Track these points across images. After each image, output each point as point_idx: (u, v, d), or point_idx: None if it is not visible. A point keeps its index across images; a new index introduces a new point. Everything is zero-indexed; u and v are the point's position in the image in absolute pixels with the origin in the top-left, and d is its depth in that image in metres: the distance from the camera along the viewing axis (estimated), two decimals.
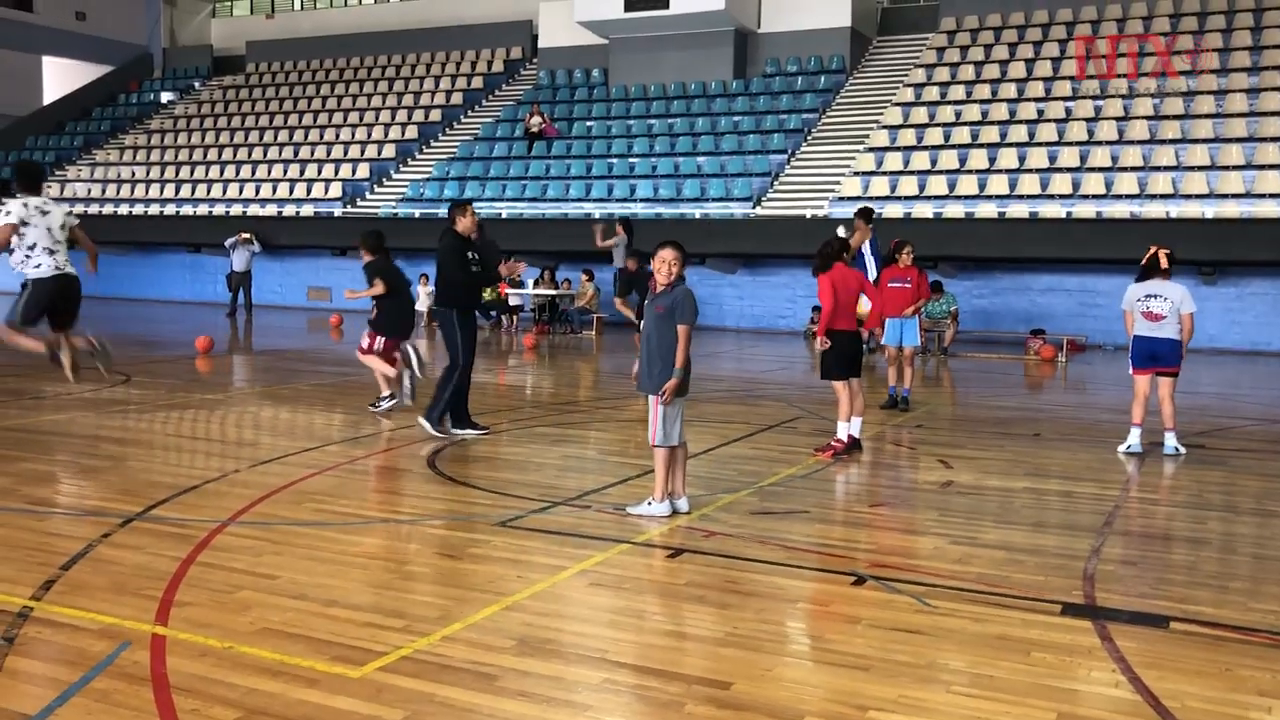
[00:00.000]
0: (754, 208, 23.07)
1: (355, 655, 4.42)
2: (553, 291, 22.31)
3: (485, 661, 4.41)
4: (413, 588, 5.35)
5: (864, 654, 4.56)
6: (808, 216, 21.94)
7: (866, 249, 15.29)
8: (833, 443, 9.05)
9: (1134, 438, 9.36)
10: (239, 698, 4.01)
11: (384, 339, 10.20)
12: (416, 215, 26.01)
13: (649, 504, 6.81)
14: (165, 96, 36.67)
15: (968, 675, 4.36)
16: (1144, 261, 9.53)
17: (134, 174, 31.97)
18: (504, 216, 24.94)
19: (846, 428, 9.05)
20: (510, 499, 7.28)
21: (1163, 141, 21.13)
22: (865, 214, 15.32)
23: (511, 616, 4.94)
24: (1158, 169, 20.48)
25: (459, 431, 9.78)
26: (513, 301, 22.91)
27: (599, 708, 4.02)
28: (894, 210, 21.43)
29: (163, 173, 31.52)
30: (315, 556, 5.88)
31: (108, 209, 30.36)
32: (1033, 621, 4.99)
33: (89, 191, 31.55)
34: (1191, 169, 20.24)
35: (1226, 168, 20.03)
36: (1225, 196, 19.51)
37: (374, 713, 3.92)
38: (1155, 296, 9.31)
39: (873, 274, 14.64)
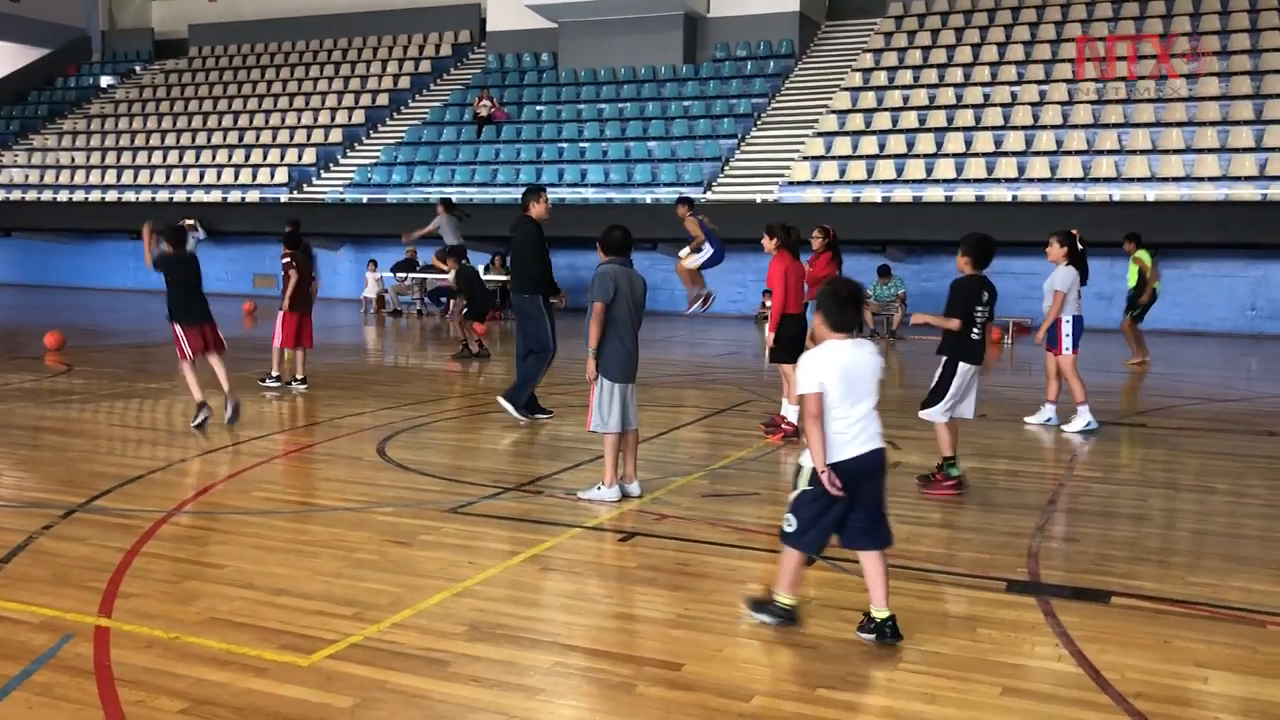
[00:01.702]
0: (705, 193, 23.09)
1: (304, 644, 4.39)
2: (504, 277, 22.19)
3: (437, 647, 4.39)
4: (363, 575, 5.31)
5: (813, 633, 4.60)
6: (758, 201, 22.01)
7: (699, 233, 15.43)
8: (784, 426, 9.12)
9: (1088, 414, 9.50)
10: (185, 688, 3.97)
11: (180, 326, 9.46)
12: (364, 200, 25.74)
13: (599, 489, 6.82)
14: (105, 80, 35.89)
15: (915, 652, 4.42)
16: (1078, 245, 9.66)
17: (73, 159, 31.29)
18: (453, 201, 24.73)
19: (796, 410, 9.13)
20: (461, 485, 7.25)
21: (1106, 126, 21.44)
22: (687, 202, 15.34)
23: (463, 602, 4.93)
24: (1101, 153, 20.80)
25: (539, 416, 9.87)
26: None
27: (551, 691, 4.03)
28: (843, 194, 21.57)
29: (103, 158, 30.87)
30: (263, 545, 5.82)
31: (46, 195, 29.71)
32: (978, 599, 5.07)
33: (26, 178, 30.85)
34: (1133, 153, 20.57)
35: (1167, 151, 20.38)
36: (1166, 180, 19.86)
37: (324, 700, 3.89)
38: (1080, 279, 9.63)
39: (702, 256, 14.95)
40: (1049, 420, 9.75)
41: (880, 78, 24.84)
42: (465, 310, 15.21)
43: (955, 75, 24.13)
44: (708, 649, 4.42)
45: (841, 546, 4.61)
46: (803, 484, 4.51)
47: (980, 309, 7.14)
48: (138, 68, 36.37)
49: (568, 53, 28.66)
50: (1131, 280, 14.99)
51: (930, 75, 24.34)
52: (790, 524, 4.54)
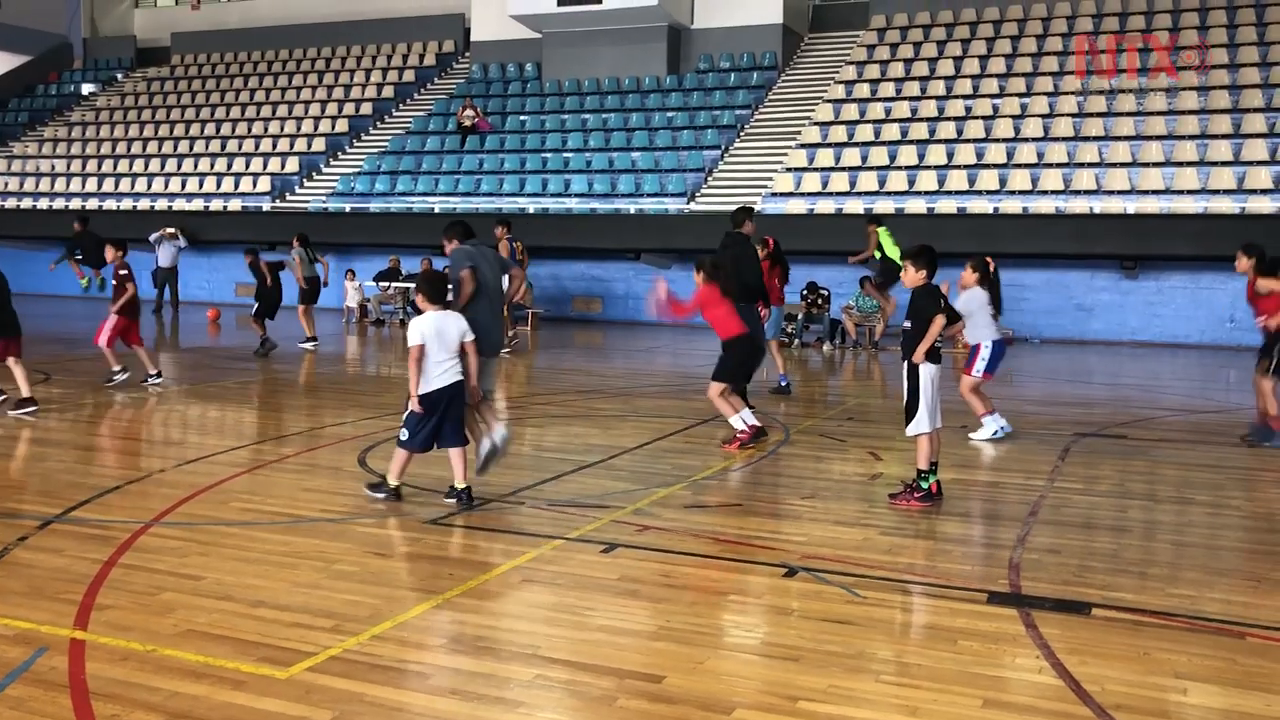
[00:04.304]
0: (688, 203, 23.11)
1: (283, 656, 4.36)
2: None
3: (416, 660, 4.37)
4: (342, 587, 5.28)
5: (795, 645, 4.60)
6: None
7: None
8: (738, 434, 9.15)
9: (994, 422, 9.68)
10: (161, 701, 3.93)
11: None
12: (347, 210, 25.67)
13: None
14: (86, 88, 35.69)
15: (896, 664, 4.42)
16: (989, 271, 9.75)
17: (54, 167, 31.07)
18: (436, 211, 24.71)
19: (743, 416, 9.18)
20: (442, 496, 7.21)
21: (1086, 138, 21.59)
22: (505, 223, 16.66)
23: (443, 614, 4.90)
24: (1082, 165, 20.93)
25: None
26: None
27: (531, 704, 4.00)
28: (826, 205, 21.64)
29: (84, 166, 30.68)
30: (242, 557, 5.78)
31: (26, 203, 29.49)
32: (960, 610, 5.08)
33: (5, 185, 30.61)
34: (1114, 165, 20.71)
35: (1147, 164, 20.53)
36: (1146, 193, 20.00)
37: (302, 714, 3.86)
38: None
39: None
40: (997, 433, 9.71)
41: (863, 90, 24.95)
42: (256, 309, 16.26)
43: (937, 88, 24.25)
44: (689, 661, 4.40)
45: (438, 447, 6.81)
46: (412, 406, 6.71)
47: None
48: (119, 75, 36.19)
49: (552, 63, 28.68)
50: (877, 254, 17.06)
51: (912, 88, 24.46)
52: (403, 435, 6.82)
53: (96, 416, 10.56)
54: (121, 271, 12.06)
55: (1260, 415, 9.77)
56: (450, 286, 7.42)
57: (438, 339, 6.69)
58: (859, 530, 6.52)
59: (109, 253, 12.27)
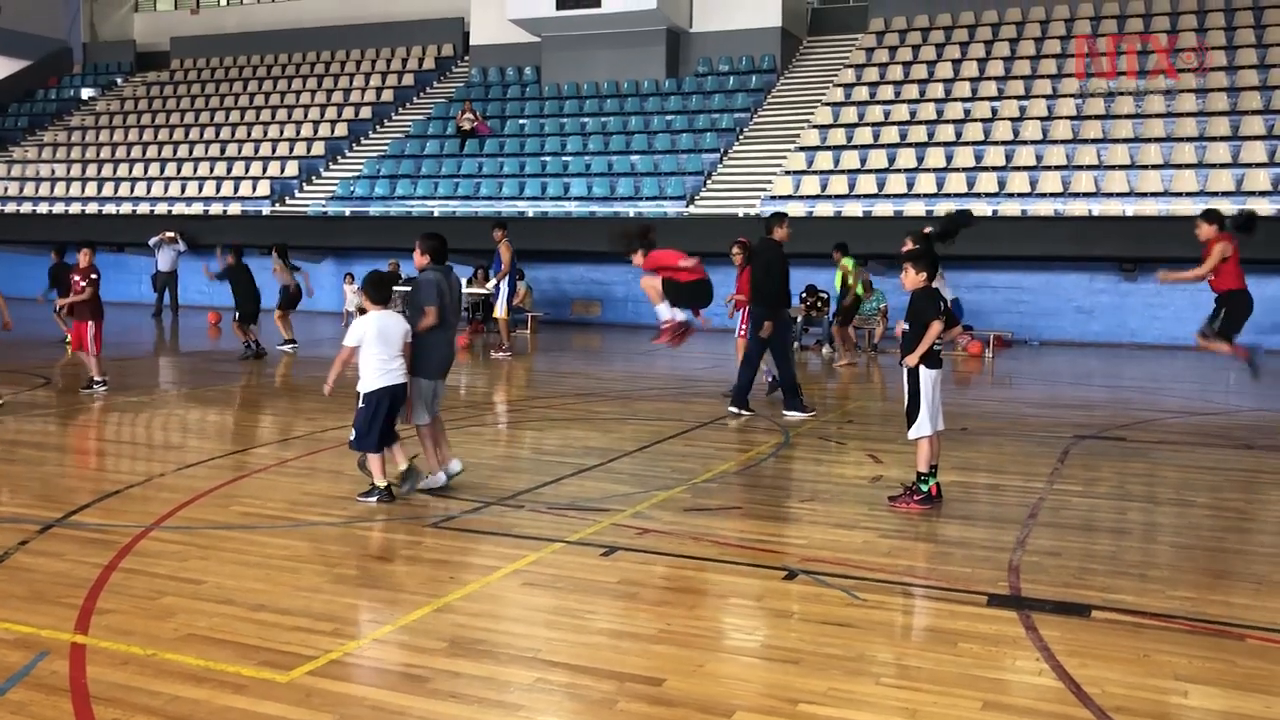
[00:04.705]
0: (687, 206, 23.13)
1: (283, 660, 4.36)
2: (485, 291, 22.17)
3: (417, 664, 4.37)
4: (343, 591, 5.28)
5: (795, 648, 4.60)
6: (740, 215, 22.07)
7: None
8: (662, 326, 9.48)
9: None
10: (162, 705, 3.93)
11: None
12: (347, 214, 25.67)
13: (429, 476, 7.39)
14: (86, 92, 35.70)
15: (896, 667, 4.42)
16: (928, 241, 9.94)
17: (54, 171, 31.08)
18: (436, 215, 24.72)
19: (672, 311, 9.48)
20: (443, 499, 7.22)
21: (1085, 141, 21.60)
22: (502, 225, 17.09)
23: (443, 618, 4.90)
24: (1080, 168, 20.94)
25: (794, 413, 10.71)
26: None
27: (531, 707, 4.01)
28: (825, 208, 21.65)
29: (84, 170, 30.70)
30: (242, 560, 5.78)
31: (26, 208, 29.49)
32: (960, 613, 5.08)
33: (5, 190, 30.61)
34: (1112, 168, 20.72)
35: (1145, 167, 20.54)
36: (1144, 195, 20.01)
37: (302, 717, 3.87)
38: None
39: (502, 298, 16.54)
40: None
41: (862, 93, 24.96)
42: (237, 315, 16.02)
43: (936, 91, 24.27)
44: (689, 664, 4.41)
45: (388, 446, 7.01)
46: (360, 404, 6.91)
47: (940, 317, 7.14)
48: (119, 79, 36.21)
49: (551, 66, 28.70)
50: (837, 285, 16.89)
51: (911, 91, 24.47)
52: (352, 435, 7.05)
53: (97, 421, 10.56)
54: (93, 276, 12.01)
55: (1233, 354, 10.14)
56: (405, 287, 7.45)
57: (380, 339, 6.91)
58: (859, 533, 6.52)
59: (82, 257, 12.18)
